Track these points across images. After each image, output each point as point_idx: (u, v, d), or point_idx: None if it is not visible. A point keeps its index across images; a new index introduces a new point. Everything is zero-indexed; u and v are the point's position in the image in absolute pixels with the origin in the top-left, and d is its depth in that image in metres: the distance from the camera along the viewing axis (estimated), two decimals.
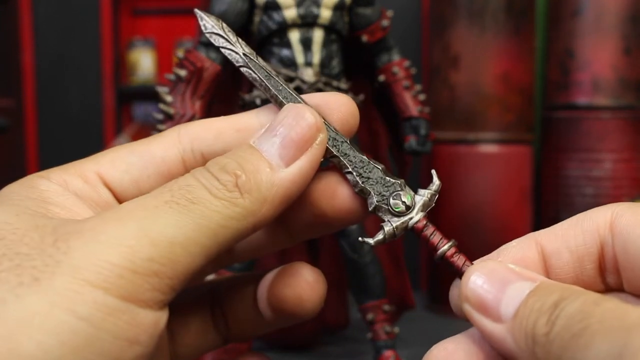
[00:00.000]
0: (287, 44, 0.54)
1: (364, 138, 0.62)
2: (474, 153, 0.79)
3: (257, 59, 0.26)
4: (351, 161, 0.25)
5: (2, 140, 1.09)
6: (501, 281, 0.21)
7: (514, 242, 0.25)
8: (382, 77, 0.59)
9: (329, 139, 0.25)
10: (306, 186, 0.24)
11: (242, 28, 0.55)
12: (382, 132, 0.63)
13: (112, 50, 1.08)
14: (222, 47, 0.26)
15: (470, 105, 0.79)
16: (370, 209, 0.25)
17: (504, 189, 0.79)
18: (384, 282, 0.57)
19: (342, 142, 0.25)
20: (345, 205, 0.25)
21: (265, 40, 0.55)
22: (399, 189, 0.25)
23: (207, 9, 0.55)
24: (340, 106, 0.25)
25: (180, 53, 0.55)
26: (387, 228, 0.25)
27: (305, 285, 0.26)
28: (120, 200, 0.25)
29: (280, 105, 0.25)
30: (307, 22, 0.54)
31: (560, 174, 0.83)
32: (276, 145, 0.23)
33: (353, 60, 0.60)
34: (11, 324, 0.18)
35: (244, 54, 0.26)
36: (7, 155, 1.08)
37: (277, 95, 0.25)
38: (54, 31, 1.05)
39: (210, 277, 0.30)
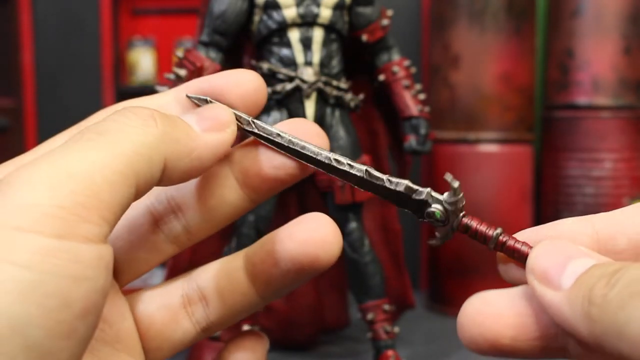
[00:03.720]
0: (287, 44, 0.54)
1: (364, 138, 0.62)
2: (474, 153, 0.79)
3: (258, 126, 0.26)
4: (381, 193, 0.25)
5: (2, 140, 1.09)
6: (566, 256, 0.22)
7: (570, 220, 0.24)
8: (382, 77, 0.59)
9: (357, 173, 0.25)
10: (217, 158, 0.25)
11: (242, 27, 0.55)
12: (381, 132, 0.63)
13: (112, 50, 1.07)
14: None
15: (470, 105, 0.79)
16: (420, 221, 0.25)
17: (504, 189, 0.79)
18: (384, 282, 0.57)
19: (360, 175, 0.25)
20: (272, 169, 0.26)
21: (265, 39, 0.55)
22: (428, 205, 0.25)
23: (207, 9, 0.55)
24: (244, 82, 0.26)
25: (179, 53, 0.55)
26: (440, 234, 0.25)
27: (329, 228, 0.24)
28: None
29: (291, 153, 0.25)
30: (307, 21, 0.54)
31: (560, 173, 0.83)
32: (194, 118, 0.25)
33: (353, 60, 0.60)
34: None
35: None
36: (7, 155, 1.08)
37: (288, 146, 0.25)
38: (54, 31, 1.05)
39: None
